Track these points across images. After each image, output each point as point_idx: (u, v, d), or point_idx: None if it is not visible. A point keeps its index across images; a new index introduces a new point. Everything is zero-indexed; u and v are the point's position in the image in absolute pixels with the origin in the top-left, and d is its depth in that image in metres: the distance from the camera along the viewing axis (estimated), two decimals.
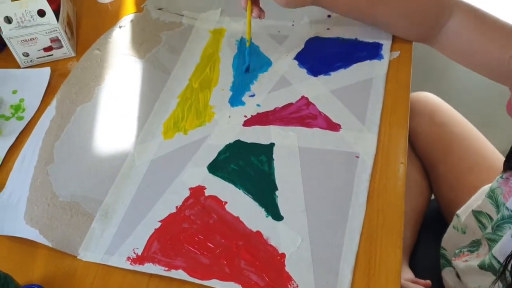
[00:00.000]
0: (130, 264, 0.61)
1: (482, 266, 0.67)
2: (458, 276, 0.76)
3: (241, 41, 0.83)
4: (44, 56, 0.86)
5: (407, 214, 0.88)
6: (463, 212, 0.78)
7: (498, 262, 0.63)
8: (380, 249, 0.60)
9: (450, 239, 0.80)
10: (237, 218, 0.63)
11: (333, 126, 0.71)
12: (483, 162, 0.86)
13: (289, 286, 0.57)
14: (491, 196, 0.69)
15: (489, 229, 0.68)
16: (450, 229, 0.80)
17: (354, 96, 0.73)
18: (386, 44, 0.79)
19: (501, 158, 0.75)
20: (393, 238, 0.60)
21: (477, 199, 0.75)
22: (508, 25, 0.67)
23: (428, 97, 0.95)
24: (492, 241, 0.67)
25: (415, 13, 0.72)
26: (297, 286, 0.57)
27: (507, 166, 0.67)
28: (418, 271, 0.84)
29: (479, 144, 0.88)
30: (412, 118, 0.91)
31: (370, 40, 0.80)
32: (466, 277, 0.72)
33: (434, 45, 0.75)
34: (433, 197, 0.95)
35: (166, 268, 0.60)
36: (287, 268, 0.58)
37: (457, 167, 0.87)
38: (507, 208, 0.64)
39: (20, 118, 0.78)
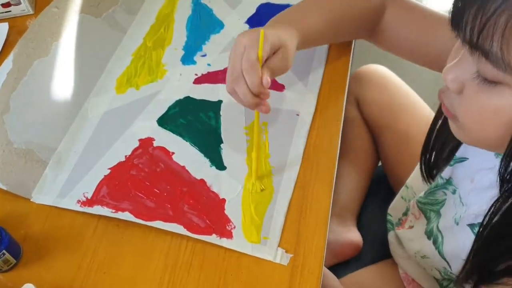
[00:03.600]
0: (80, 206, 0.65)
1: (429, 235, 0.69)
2: (400, 243, 0.79)
3: (196, 2, 0.87)
4: (2, 12, 0.88)
5: (355, 177, 0.95)
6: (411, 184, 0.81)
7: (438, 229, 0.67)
8: (312, 197, 0.65)
9: (396, 207, 0.84)
10: (183, 167, 0.68)
11: (278, 87, 0.75)
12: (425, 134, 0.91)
13: (227, 226, 0.62)
14: None
15: (421, 194, 0.72)
16: (398, 198, 0.83)
17: (298, 60, 0.77)
18: None
19: None
20: (325, 188, 0.66)
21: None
22: (435, 12, 0.68)
23: (379, 69, 0.99)
24: (423, 204, 0.71)
25: (348, 22, 0.71)
26: (235, 227, 0.62)
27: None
28: (366, 233, 0.89)
29: (424, 117, 0.92)
30: (362, 87, 0.95)
31: None
32: (410, 244, 0.75)
33: (375, 43, 0.75)
34: (380, 163, 0.99)
35: (114, 210, 0.64)
36: (226, 212, 0.64)
37: (402, 135, 0.91)
38: (441, 177, 0.67)
39: None
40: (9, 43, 0.85)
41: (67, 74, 0.78)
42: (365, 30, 0.73)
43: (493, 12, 0.41)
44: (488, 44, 0.42)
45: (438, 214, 0.68)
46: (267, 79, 0.59)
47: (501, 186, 0.49)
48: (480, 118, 0.47)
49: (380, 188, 0.98)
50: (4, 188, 0.66)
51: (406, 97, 0.95)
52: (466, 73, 0.46)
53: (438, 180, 0.68)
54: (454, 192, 0.65)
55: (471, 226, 0.59)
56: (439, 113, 0.65)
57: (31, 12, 0.89)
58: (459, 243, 0.61)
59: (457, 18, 0.45)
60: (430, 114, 0.93)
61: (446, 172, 0.67)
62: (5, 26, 0.86)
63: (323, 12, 0.69)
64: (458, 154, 0.64)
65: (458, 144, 0.64)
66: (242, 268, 0.60)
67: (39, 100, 0.75)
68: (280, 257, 0.60)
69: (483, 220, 0.52)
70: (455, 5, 0.46)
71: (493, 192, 0.51)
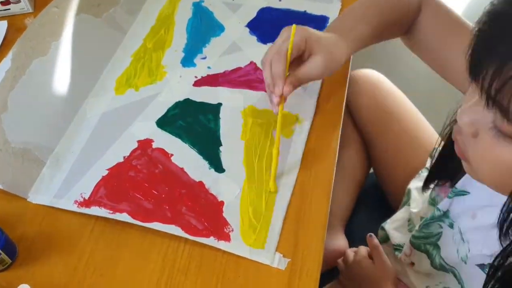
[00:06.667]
0: (77, 207, 0.65)
1: (442, 269, 0.67)
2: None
3: (197, 5, 0.87)
4: (1, 10, 0.87)
5: (345, 183, 0.94)
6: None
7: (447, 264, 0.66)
8: (310, 201, 0.65)
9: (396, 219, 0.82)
10: (182, 169, 0.68)
11: None
12: (418, 142, 0.89)
13: (225, 229, 0.62)
14: (433, 203, 0.72)
15: (416, 228, 0.71)
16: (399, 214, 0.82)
17: None
18: (332, 18, 0.84)
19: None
20: (323, 193, 0.66)
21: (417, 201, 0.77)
22: (468, 25, 0.67)
23: (370, 74, 0.97)
24: (416, 239, 0.70)
25: (390, 27, 0.72)
26: (233, 230, 0.62)
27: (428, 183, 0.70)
28: (355, 240, 0.89)
29: (417, 124, 0.91)
30: (354, 93, 0.94)
31: (318, 13, 0.84)
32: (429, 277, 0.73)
33: (407, 43, 0.75)
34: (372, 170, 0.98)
35: (111, 211, 0.64)
36: (224, 214, 0.63)
37: (393, 145, 0.91)
38: (438, 209, 0.66)
39: None
40: (8, 41, 0.84)
41: (66, 74, 0.78)
42: (401, 32, 0.73)
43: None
44: (506, 103, 0.40)
45: (437, 246, 0.67)
46: (287, 89, 0.64)
47: (499, 236, 0.47)
48: (493, 167, 0.46)
49: (371, 195, 0.98)
50: (1, 187, 0.65)
51: (397, 102, 0.94)
52: (483, 120, 0.44)
53: (435, 212, 0.67)
54: (451, 226, 0.64)
55: (481, 266, 0.58)
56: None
57: (31, 10, 0.89)
58: (473, 283, 0.60)
59: (475, 70, 0.43)
60: (421, 119, 0.93)
61: (443, 204, 0.66)
62: (4, 24, 0.86)
63: (369, 21, 0.70)
64: (459, 186, 0.63)
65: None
66: (239, 272, 0.60)
67: (37, 99, 0.74)
68: (278, 261, 0.60)
69: (493, 262, 0.51)
70: (473, 57, 0.44)
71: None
